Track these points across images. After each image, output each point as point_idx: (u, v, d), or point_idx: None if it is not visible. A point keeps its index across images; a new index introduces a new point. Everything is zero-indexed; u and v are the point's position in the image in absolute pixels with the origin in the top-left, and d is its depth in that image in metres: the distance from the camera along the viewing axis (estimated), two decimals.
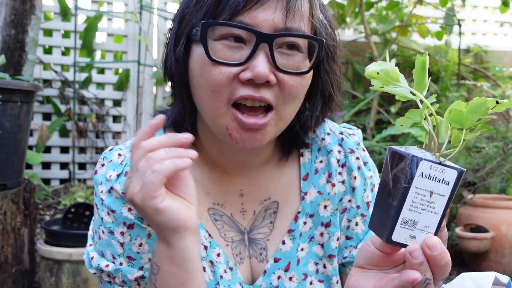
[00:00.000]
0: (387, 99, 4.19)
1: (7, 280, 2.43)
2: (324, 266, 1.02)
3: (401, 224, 0.67)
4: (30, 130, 2.97)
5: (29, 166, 3.88)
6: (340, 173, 1.02)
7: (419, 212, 0.67)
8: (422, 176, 0.66)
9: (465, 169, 0.67)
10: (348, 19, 4.34)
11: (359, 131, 1.10)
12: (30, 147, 3.68)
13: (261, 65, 0.82)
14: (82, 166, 4.14)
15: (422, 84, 0.69)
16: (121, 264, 0.93)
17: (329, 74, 0.93)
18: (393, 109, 3.79)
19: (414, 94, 0.69)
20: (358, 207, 1.03)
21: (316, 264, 1.01)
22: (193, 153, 0.79)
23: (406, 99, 0.70)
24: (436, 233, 0.69)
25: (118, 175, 0.94)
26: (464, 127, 0.68)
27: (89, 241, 1.00)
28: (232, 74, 0.84)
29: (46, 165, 4.06)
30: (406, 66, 4.28)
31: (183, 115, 0.96)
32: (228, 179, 1.00)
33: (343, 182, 1.03)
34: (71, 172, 4.04)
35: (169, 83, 0.97)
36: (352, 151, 1.03)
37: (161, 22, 4.24)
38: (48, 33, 4.07)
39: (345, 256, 1.03)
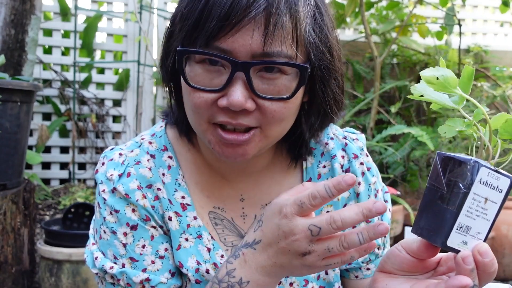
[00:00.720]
0: (387, 99, 4.18)
1: (7, 280, 2.43)
2: (326, 273, 1.01)
3: (457, 229, 0.68)
4: (30, 130, 2.96)
5: (29, 166, 3.88)
6: None
7: (474, 218, 0.68)
8: (481, 183, 0.66)
9: None
10: (348, 19, 4.33)
11: (363, 135, 1.08)
12: (30, 147, 3.67)
13: (236, 93, 0.78)
14: (82, 166, 4.13)
15: (467, 92, 0.70)
16: (123, 265, 0.92)
17: (324, 92, 0.89)
18: (393, 109, 3.79)
19: (459, 102, 0.70)
20: None
21: None
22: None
23: (443, 107, 0.70)
24: (485, 240, 0.69)
25: (120, 175, 0.93)
26: None
27: (91, 240, 0.98)
28: (210, 100, 0.81)
29: (46, 165, 4.06)
30: (406, 66, 4.28)
31: (176, 120, 0.99)
32: (227, 184, 0.99)
33: None
34: (71, 172, 4.04)
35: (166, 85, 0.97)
36: (356, 157, 1.02)
37: (161, 22, 4.23)
38: (48, 33, 4.06)
39: None
